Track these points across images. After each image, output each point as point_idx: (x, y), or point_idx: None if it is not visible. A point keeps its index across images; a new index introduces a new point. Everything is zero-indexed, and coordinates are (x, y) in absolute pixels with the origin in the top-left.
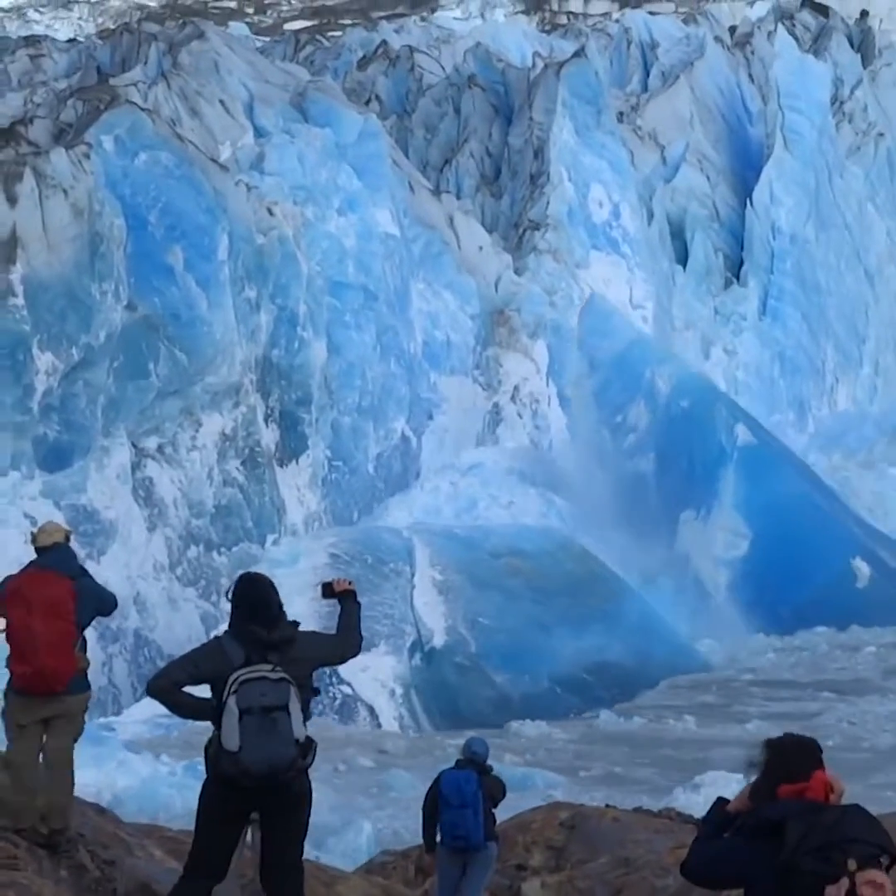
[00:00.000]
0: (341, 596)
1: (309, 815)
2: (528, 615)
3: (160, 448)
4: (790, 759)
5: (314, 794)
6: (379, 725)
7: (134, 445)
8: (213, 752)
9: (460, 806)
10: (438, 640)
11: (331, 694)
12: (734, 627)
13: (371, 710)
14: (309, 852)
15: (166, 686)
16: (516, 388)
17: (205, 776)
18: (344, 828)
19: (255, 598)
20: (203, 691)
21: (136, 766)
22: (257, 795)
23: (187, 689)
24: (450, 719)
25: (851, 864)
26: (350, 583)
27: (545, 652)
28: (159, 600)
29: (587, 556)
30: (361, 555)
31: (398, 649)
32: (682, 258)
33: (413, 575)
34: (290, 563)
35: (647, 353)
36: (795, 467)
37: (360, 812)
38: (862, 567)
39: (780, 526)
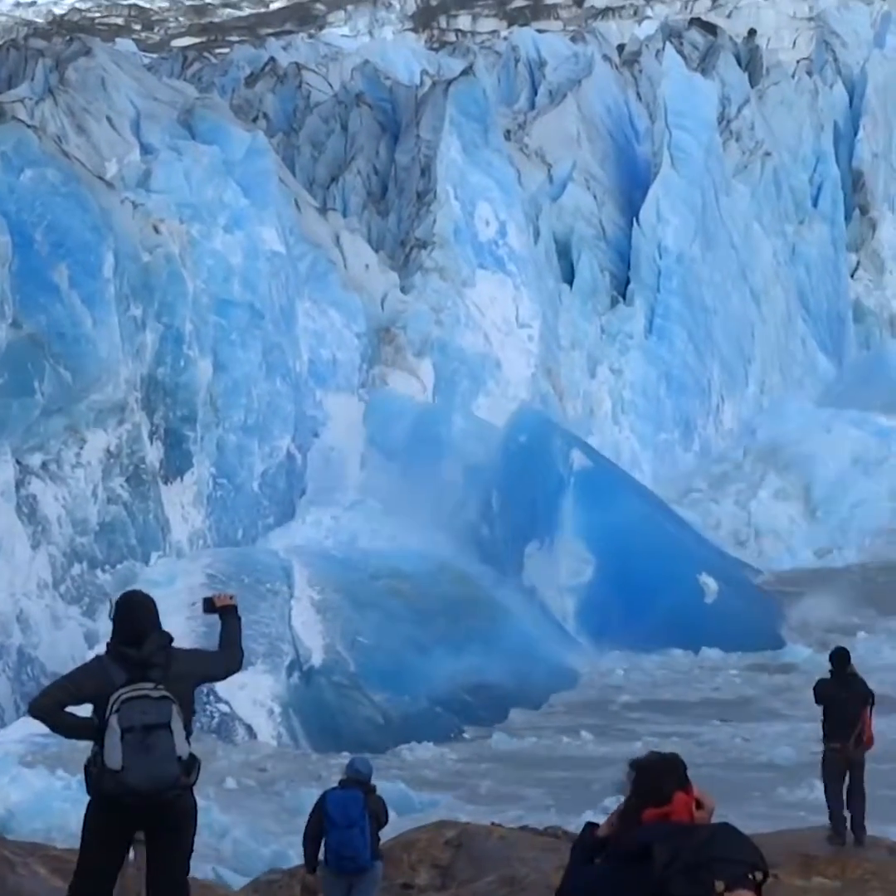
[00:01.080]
0: (222, 611)
1: (194, 833)
2: (407, 636)
3: (44, 465)
4: (656, 777)
5: (199, 812)
6: (257, 746)
7: (18, 462)
8: (96, 771)
9: (347, 826)
10: (317, 660)
11: (208, 712)
12: (587, 654)
13: (249, 728)
14: (198, 869)
15: (48, 706)
16: None
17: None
18: (231, 846)
19: (131, 618)
20: (85, 710)
21: (30, 780)
22: (141, 814)
23: (70, 708)
24: (329, 738)
25: (719, 886)
26: (231, 597)
27: (424, 672)
28: (43, 618)
29: (466, 579)
30: (238, 575)
31: (276, 668)
32: (569, 277)
33: (291, 595)
34: (167, 584)
35: None
36: (634, 489)
37: (245, 830)
38: (709, 582)
39: (622, 548)
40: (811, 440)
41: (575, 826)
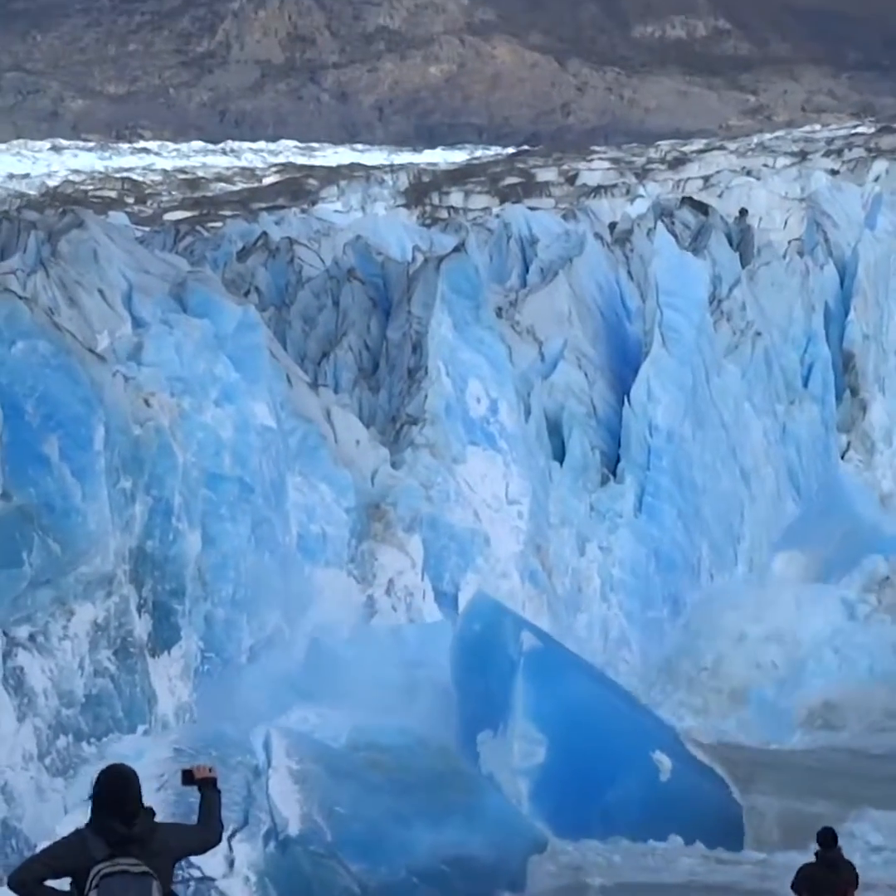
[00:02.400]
0: (201, 783)
1: None
2: (386, 807)
3: (32, 637)
4: None
5: None
6: None
7: (5, 634)
8: None
9: None
10: (293, 829)
11: (182, 877)
12: (541, 838)
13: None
14: None
15: (26, 880)
16: (391, 581)
17: None
18: None
19: (114, 793)
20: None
21: None
22: None
23: (49, 882)
24: None
25: None
26: (210, 770)
27: (403, 843)
28: (27, 789)
29: (447, 752)
30: (206, 748)
31: (252, 836)
32: (560, 454)
33: (269, 765)
34: (135, 758)
35: None
36: (584, 670)
37: None
38: (663, 759)
39: (574, 729)
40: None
41: None
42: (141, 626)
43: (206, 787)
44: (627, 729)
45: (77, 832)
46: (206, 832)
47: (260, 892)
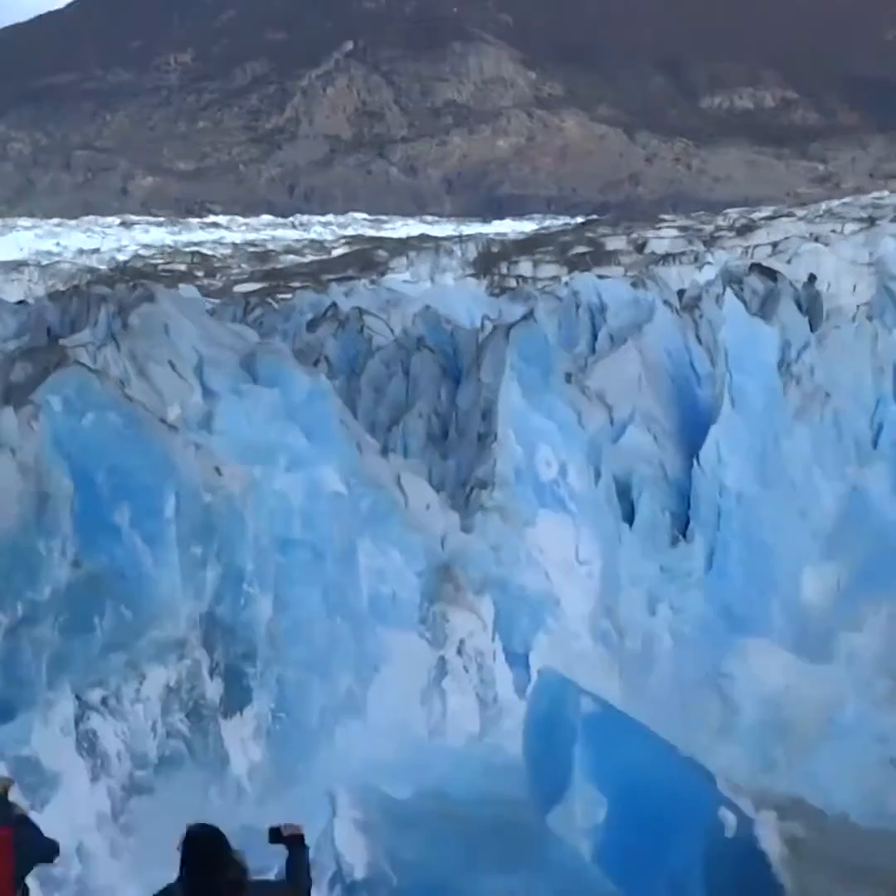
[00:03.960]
0: (288, 841)
1: None
2: (452, 854)
3: (104, 700)
4: None
5: None
6: None
7: (78, 698)
8: None
9: None
10: (359, 874)
11: None
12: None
13: None
14: None
15: None
16: (462, 642)
17: None
18: None
19: (203, 851)
20: None
21: None
22: None
23: None
24: None
25: None
26: (298, 827)
27: (470, 890)
28: (102, 850)
29: (513, 803)
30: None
31: (317, 882)
32: (629, 516)
33: (334, 814)
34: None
35: None
36: (641, 732)
37: None
38: (727, 816)
39: (635, 790)
40: None
41: None
42: (212, 689)
43: (294, 844)
44: (688, 788)
45: (167, 890)
46: (295, 889)
47: None
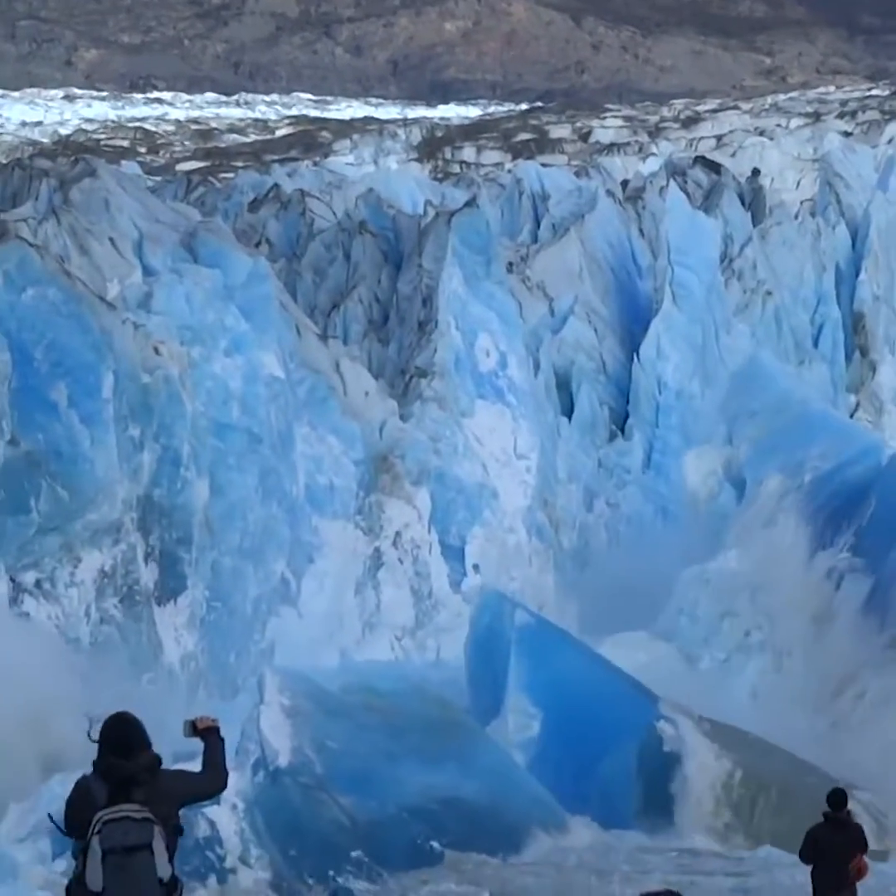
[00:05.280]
0: (204, 733)
1: None
2: (377, 745)
3: (38, 583)
4: None
5: None
6: (220, 840)
7: (12, 580)
8: (77, 892)
9: None
10: (283, 760)
11: None
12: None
13: (212, 824)
14: None
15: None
16: (398, 534)
17: None
18: None
19: (118, 735)
20: None
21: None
22: None
23: None
24: (292, 837)
25: None
26: (214, 720)
27: (394, 781)
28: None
29: (443, 701)
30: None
31: (241, 766)
32: (568, 410)
33: (261, 700)
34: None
35: None
36: (576, 646)
37: None
38: (666, 728)
39: (569, 701)
40: None
41: None
42: (147, 575)
43: (210, 735)
44: (624, 701)
45: (82, 779)
46: (212, 779)
47: (248, 820)
